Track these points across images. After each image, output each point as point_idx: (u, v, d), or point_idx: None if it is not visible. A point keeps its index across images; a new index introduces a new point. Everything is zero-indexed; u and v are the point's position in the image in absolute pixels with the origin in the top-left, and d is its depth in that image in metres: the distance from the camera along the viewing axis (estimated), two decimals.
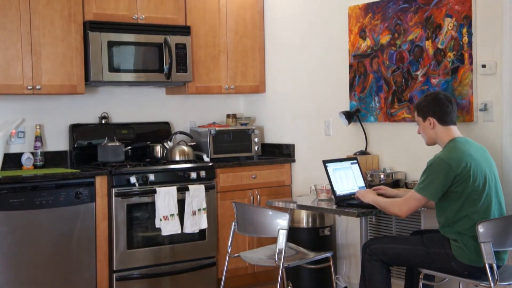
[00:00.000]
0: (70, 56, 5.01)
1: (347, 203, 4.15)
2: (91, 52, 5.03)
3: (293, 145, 5.77)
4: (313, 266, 4.66)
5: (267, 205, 4.63)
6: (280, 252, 3.90)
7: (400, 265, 4.25)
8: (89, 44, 5.03)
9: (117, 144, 5.24)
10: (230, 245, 4.27)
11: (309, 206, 4.32)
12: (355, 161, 4.49)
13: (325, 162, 4.27)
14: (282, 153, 5.88)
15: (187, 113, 5.98)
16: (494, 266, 3.46)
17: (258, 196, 5.52)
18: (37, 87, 4.89)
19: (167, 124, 5.77)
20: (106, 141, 5.24)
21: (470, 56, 4.28)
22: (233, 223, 4.28)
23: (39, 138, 5.13)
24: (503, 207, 3.79)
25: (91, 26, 5.03)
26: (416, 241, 3.83)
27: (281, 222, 3.92)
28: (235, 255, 4.33)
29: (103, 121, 5.47)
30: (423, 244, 3.77)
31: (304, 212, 5.01)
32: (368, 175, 4.64)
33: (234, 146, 5.71)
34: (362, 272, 3.99)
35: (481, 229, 3.50)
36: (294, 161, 5.75)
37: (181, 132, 5.58)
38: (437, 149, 3.93)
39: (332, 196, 4.27)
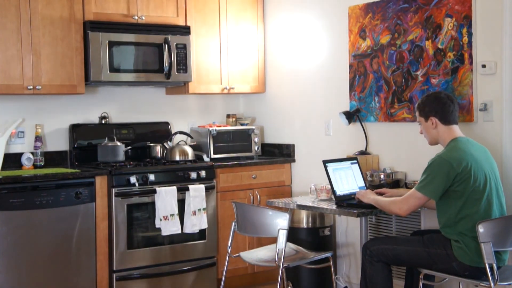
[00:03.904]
0: (70, 56, 5.01)
1: (347, 203, 4.15)
2: (91, 52, 5.02)
3: (293, 145, 5.77)
4: (313, 266, 4.68)
5: (267, 205, 4.64)
6: (280, 252, 3.90)
7: (400, 265, 4.25)
8: (89, 44, 5.02)
9: (117, 144, 5.23)
10: (230, 245, 4.27)
11: (309, 206, 4.32)
12: (355, 161, 4.49)
13: (325, 162, 4.28)
14: (282, 153, 5.88)
15: (187, 113, 5.97)
16: (494, 266, 3.46)
17: (258, 196, 5.51)
18: (37, 87, 4.88)
19: (167, 124, 5.77)
20: (106, 141, 5.24)
21: (470, 56, 4.28)
22: (233, 223, 4.28)
23: (39, 138, 5.12)
24: (504, 208, 3.78)
25: (91, 26, 5.03)
26: (417, 242, 3.82)
27: (281, 222, 3.92)
28: (235, 255, 4.32)
29: (103, 121, 5.46)
30: (424, 245, 3.77)
31: (304, 212, 5.00)
32: (368, 175, 4.63)
33: (234, 146, 5.70)
34: (362, 273, 3.98)
35: (481, 229, 3.49)
36: (294, 161, 5.75)
37: (181, 132, 5.57)
38: (438, 149, 3.93)
39: (332, 196, 4.27)
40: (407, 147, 4.74)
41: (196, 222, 5.07)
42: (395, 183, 4.61)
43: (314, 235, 5.04)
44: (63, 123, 5.35)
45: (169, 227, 4.95)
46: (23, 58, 4.84)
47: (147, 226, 4.99)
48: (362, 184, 4.42)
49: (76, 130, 5.32)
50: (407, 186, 4.59)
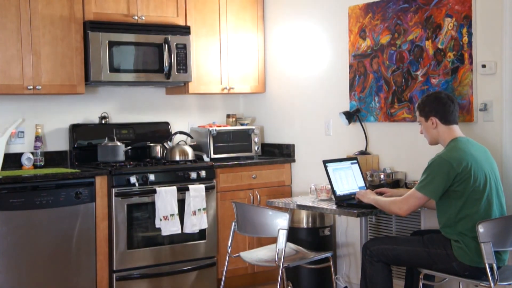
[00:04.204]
0: (70, 56, 5.01)
1: (347, 203, 4.15)
2: (91, 52, 5.02)
3: (293, 145, 5.77)
4: (313, 266, 4.68)
5: (267, 205, 4.63)
6: (280, 252, 3.89)
7: (400, 265, 4.25)
8: (89, 44, 5.02)
9: (117, 144, 5.23)
10: (230, 245, 4.27)
11: (309, 206, 4.30)
12: (355, 161, 4.49)
13: (325, 162, 4.27)
14: (282, 153, 5.87)
15: (187, 113, 5.97)
16: (494, 266, 3.46)
17: (258, 196, 5.51)
18: (37, 87, 4.88)
19: (167, 124, 5.76)
20: (106, 141, 5.23)
21: (470, 56, 4.27)
22: (233, 223, 4.27)
23: (39, 138, 5.12)
24: (504, 208, 3.78)
25: (91, 26, 5.02)
26: (416, 242, 3.82)
27: (281, 222, 3.92)
28: (235, 255, 4.32)
29: (103, 121, 5.45)
30: (424, 245, 3.77)
31: (304, 212, 4.98)
32: (368, 175, 4.63)
33: (234, 146, 5.70)
34: (362, 273, 3.98)
35: (481, 229, 3.49)
36: (294, 161, 5.75)
37: (181, 132, 5.56)
38: (438, 149, 3.93)
39: (332, 196, 4.27)
40: (407, 147, 4.73)
41: (196, 222, 5.06)
42: (395, 183, 4.61)
43: (314, 235, 5.03)
44: (63, 123, 5.35)
45: (169, 227, 4.94)
46: (23, 58, 4.84)
47: (147, 226, 4.99)
48: (362, 184, 4.42)
49: (76, 130, 5.31)
50: (407, 186, 4.58)
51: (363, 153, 4.99)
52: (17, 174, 4.67)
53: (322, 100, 5.46)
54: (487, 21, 4.21)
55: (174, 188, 4.98)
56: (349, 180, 4.35)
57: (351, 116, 5.07)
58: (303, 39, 5.63)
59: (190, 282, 5.16)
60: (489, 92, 4.21)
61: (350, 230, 5.19)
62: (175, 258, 5.09)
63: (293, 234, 4.86)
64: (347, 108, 5.17)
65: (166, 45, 5.30)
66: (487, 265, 3.46)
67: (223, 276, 4.32)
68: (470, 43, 4.27)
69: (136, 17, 5.27)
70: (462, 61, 4.32)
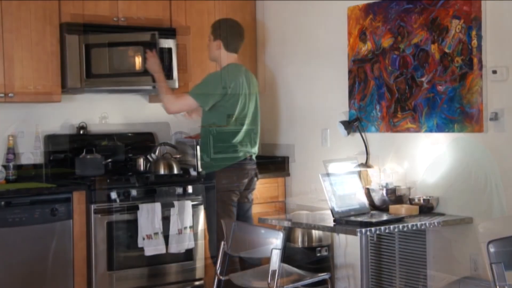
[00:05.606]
0: (45, 61, 4.91)
1: (346, 220, 4.10)
2: (68, 57, 4.92)
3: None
4: None
5: (259, 223, 4.56)
6: (273, 273, 3.74)
7: None
8: (66, 47, 4.93)
9: (96, 156, 5.14)
10: (219, 266, 4.11)
11: (304, 223, 4.27)
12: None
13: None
14: (279, 158, 5.74)
15: (173, 122, 5.77)
16: None
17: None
18: (10, 94, 4.77)
19: (150, 134, 5.63)
20: (84, 153, 5.14)
21: (480, 61, 4.17)
22: (222, 243, 4.12)
23: (11, 150, 5.01)
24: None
25: (68, 28, 4.93)
26: None
27: (275, 241, 3.78)
28: (225, 277, 4.16)
29: (81, 132, 5.34)
30: None
31: (300, 230, 4.95)
32: (369, 190, 4.55)
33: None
34: None
35: (491, 248, 3.27)
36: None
37: (165, 144, 5.45)
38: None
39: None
40: (411, 159, 4.64)
41: (182, 241, 4.96)
42: (398, 198, 4.50)
43: (310, 255, 4.99)
44: (38, 134, 5.20)
45: (152, 246, 4.86)
46: None
47: (129, 246, 4.87)
48: (362, 200, 4.38)
49: (52, 141, 5.20)
50: (411, 202, 4.47)
51: (364, 166, 4.90)
52: None
53: (321, 107, 5.38)
54: (498, 22, 4.10)
55: (158, 204, 4.89)
56: (349, 195, 4.34)
57: (350, 126, 4.99)
58: (302, 39, 5.56)
59: None
60: (500, 100, 4.10)
61: (349, 250, 5.09)
62: (159, 280, 4.97)
63: (288, 254, 4.74)
64: (346, 118, 5.09)
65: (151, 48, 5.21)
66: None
67: None
68: (479, 47, 4.19)
69: (117, 19, 5.17)
70: (471, 67, 4.24)
